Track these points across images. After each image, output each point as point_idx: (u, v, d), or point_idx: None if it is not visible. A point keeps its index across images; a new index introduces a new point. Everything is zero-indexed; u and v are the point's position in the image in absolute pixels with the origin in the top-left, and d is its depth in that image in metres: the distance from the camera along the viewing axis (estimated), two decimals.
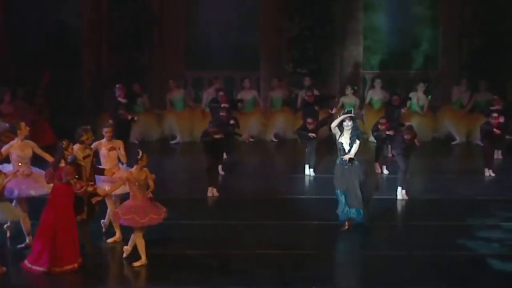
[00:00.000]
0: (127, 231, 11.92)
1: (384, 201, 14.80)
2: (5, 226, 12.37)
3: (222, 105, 18.17)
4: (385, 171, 17.24)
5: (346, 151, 12.86)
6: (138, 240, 11.40)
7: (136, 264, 11.37)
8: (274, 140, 21.56)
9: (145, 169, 11.46)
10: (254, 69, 23.17)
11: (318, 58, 22.37)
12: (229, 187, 16.15)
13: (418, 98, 20.96)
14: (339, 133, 12.95)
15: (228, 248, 12.12)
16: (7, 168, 12.13)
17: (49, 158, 12.16)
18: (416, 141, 15.27)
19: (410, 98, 20.51)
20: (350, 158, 12.84)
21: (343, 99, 21.24)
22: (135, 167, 11.46)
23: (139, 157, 11.41)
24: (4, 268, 10.99)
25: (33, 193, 12.04)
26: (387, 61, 23.64)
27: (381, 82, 21.31)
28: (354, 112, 13.10)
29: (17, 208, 11.62)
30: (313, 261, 11.63)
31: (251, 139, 21.10)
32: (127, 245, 11.70)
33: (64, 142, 11.30)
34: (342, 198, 12.96)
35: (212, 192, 15.37)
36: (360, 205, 12.89)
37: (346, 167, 12.89)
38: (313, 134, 16.90)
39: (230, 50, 23.17)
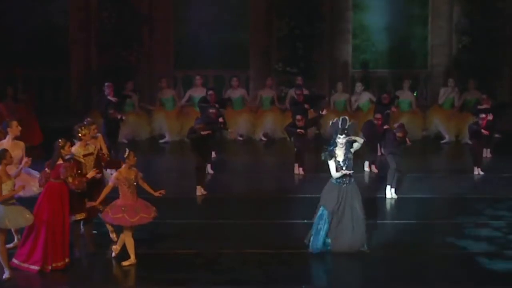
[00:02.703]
0: (117, 230, 11.95)
1: (373, 200, 14.85)
2: None
3: (212, 105, 18.20)
4: (374, 170, 17.25)
5: (344, 167, 11.63)
6: (127, 239, 11.38)
7: (125, 263, 11.37)
8: (263, 139, 21.57)
9: (134, 168, 11.46)
10: (243, 68, 23.19)
11: (307, 57, 22.39)
12: (218, 186, 16.17)
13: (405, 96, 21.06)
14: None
15: (216, 247, 12.12)
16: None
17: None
18: (407, 139, 15.32)
19: (398, 97, 20.56)
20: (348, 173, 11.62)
21: (334, 98, 21.38)
22: (123, 166, 11.46)
23: (126, 155, 11.39)
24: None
25: (21, 193, 11.72)
26: (377, 60, 23.70)
27: (361, 85, 21.39)
28: (349, 124, 11.77)
29: (27, 211, 11.02)
30: (301, 260, 11.64)
31: (240, 138, 21.13)
32: (115, 244, 11.69)
33: (60, 140, 11.19)
34: (324, 222, 11.72)
35: (200, 191, 15.38)
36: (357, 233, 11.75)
37: (343, 185, 11.72)
38: (302, 130, 16.94)
39: (219, 49, 23.17)
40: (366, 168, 17.28)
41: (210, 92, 18.86)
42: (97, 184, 11.68)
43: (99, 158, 11.89)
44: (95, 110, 19.82)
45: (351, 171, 11.76)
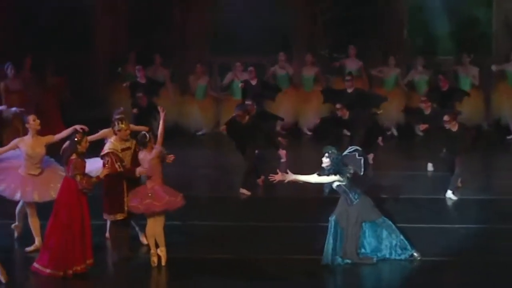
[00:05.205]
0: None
1: (433, 201, 14.80)
2: (12, 225, 12.48)
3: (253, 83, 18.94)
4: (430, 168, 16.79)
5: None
6: (158, 228, 11.26)
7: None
8: (309, 133, 21.10)
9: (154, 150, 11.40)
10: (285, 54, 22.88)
11: (356, 43, 21.99)
12: (258, 185, 15.79)
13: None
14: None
15: (254, 253, 12.00)
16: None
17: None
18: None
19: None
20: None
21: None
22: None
23: (146, 140, 11.34)
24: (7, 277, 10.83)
25: (36, 198, 11.85)
26: (433, 45, 23.29)
27: (423, 60, 21.04)
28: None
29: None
30: (346, 267, 11.40)
31: (283, 132, 20.71)
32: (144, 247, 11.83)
33: (77, 135, 11.08)
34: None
35: (243, 190, 15.14)
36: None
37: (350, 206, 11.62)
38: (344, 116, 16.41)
39: (259, 34, 22.88)
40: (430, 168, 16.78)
41: (251, 68, 19.34)
42: (136, 181, 11.59)
43: (137, 153, 11.73)
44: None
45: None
